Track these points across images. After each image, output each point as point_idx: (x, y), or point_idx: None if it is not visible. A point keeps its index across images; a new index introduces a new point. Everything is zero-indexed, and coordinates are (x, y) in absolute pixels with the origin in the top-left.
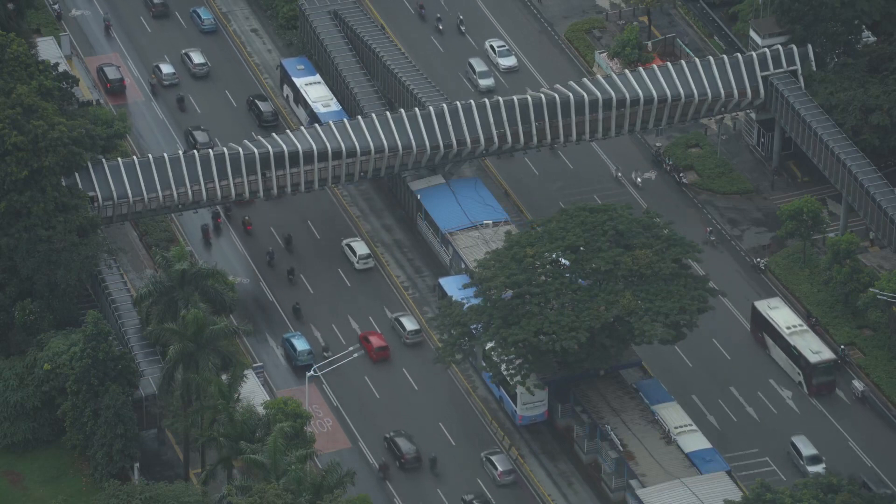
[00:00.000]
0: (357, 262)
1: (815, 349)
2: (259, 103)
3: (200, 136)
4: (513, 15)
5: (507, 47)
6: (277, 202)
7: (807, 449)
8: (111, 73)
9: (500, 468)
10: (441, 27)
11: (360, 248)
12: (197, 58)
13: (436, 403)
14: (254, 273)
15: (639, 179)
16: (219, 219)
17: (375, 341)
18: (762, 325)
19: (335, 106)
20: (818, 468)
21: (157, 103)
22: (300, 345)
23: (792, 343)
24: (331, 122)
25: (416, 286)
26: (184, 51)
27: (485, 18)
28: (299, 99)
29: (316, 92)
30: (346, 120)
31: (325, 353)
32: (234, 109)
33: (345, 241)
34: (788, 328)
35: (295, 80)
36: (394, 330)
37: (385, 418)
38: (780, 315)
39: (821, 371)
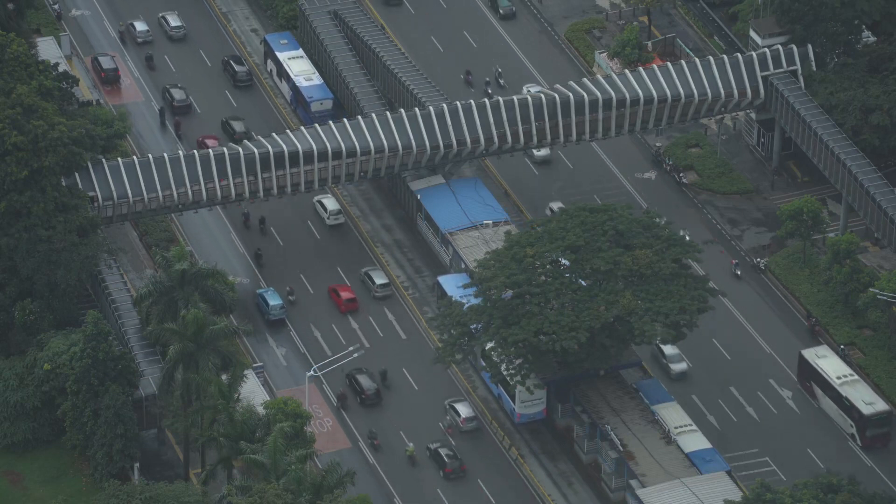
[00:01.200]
0: (328, 219)
1: (867, 400)
2: (234, 64)
3: (177, 94)
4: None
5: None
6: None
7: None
8: (105, 63)
9: (462, 415)
10: (490, 91)
11: (331, 204)
12: (174, 20)
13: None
14: (254, 273)
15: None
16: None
17: (344, 293)
18: (810, 375)
19: (317, 80)
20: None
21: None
22: (272, 299)
23: (843, 394)
24: (331, 123)
25: (416, 286)
26: (161, 14)
27: (484, 18)
28: (282, 73)
29: (298, 66)
30: (346, 120)
31: (289, 297)
32: (208, 70)
33: (316, 198)
34: (839, 378)
35: (278, 54)
36: (363, 284)
37: (351, 363)
38: (830, 364)
39: (874, 423)
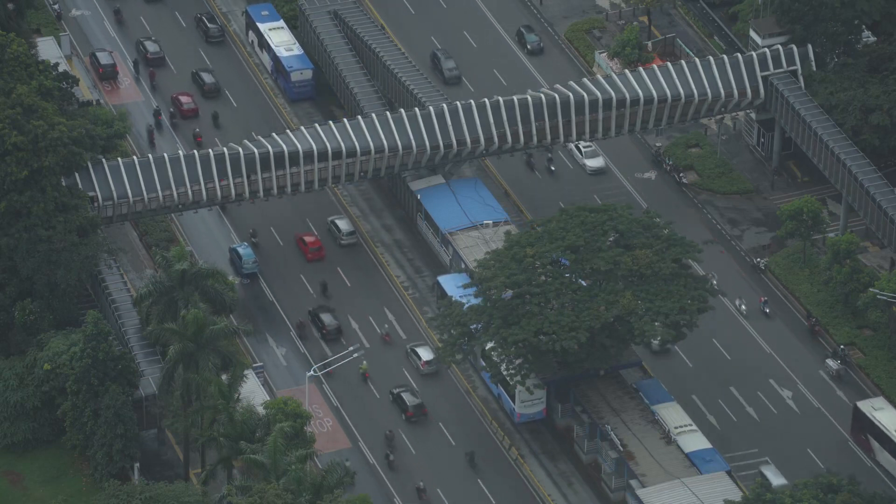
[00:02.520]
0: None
1: None
2: (206, 21)
3: (151, 46)
4: (513, 15)
5: (592, 147)
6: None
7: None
8: (103, 59)
9: (423, 358)
10: (553, 168)
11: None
12: None
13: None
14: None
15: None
16: (159, 115)
17: (310, 240)
18: (866, 428)
19: (297, 50)
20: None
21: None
22: (246, 254)
23: None
24: (331, 123)
25: (416, 286)
26: None
27: (485, 18)
28: (263, 44)
29: (279, 36)
30: (346, 120)
31: (252, 239)
32: (181, 28)
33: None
34: None
35: (259, 25)
36: (329, 232)
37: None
38: (887, 417)
39: None
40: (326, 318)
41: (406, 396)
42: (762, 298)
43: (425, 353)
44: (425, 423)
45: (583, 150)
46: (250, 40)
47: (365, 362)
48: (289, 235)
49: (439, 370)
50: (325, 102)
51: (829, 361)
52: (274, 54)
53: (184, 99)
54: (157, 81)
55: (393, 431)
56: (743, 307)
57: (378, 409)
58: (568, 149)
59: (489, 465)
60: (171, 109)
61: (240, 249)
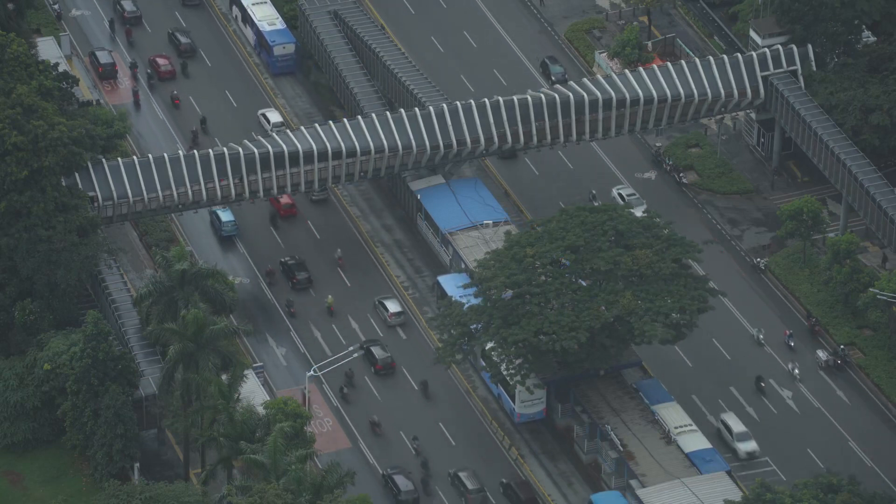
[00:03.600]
0: (271, 131)
1: None
2: None
3: (128, 5)
4: (513, 15)
5: (636, 195)
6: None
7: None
8: (103, 58)
9: (390, 310)
10: (596, 202)
11: (274, 116)
12: None
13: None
14: (253, 273)
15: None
16: (135, 69)
17: (284, 199)
18: None
19: (280, 24)
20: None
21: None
22: (225, 216)
23: None
24: (331, 123)
25: (416, 286)
26: None
27: (485, 18)
28: (247, 19)
29: (262, 11)
30: (346, 120)
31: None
32: None
33: (260, 111)
34: None
35: (242, 0)
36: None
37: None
38: None
39: None
40: (298, 270)
41: (376, 350)
42: (787, 332)
43: (392, 306)
44: (392, 375)
45: (626, 198)
46: (234, 15)
47: (331, 297)
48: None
49: (407, 321)
50: (324, 104)
51: (820, 353)
52: (257, 29)
53: (161, 61)
54: (133, 39)
55: (352, 370)
56: (761, 336)
57: (349, 363)
58: (611, 197)
59: (489, 465)
60: (149, 71)
61: (219, 212)
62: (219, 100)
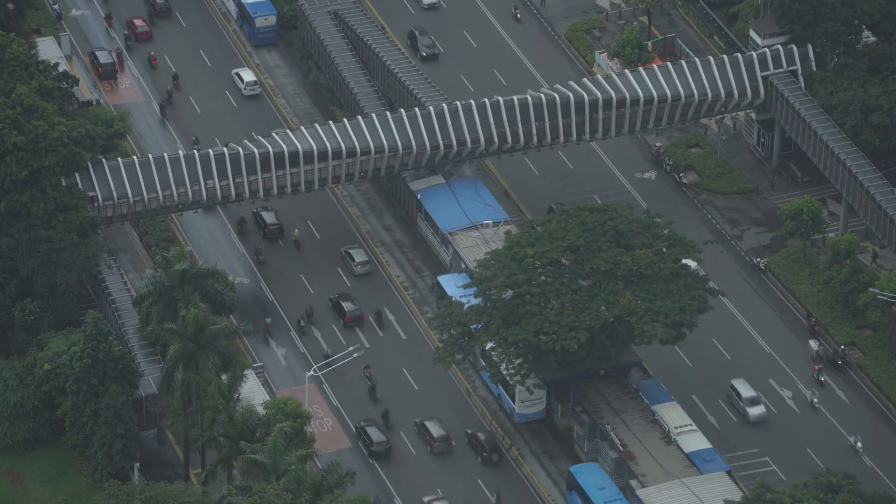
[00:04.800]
0: (244, 89)
1: None
2: None
3: None
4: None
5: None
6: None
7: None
8: (103, 58)
9: (356, 259)
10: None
11: (248, 75)
12: None
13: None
14: (253, 273)
15: (814, 400)
16: (110, 20)
17: None
18: None
19: None
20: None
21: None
22: None
23: None
24: (331, 123)
25: (416, 286)
26: None
27: (485, 18)
28: None
29: None
30: (346, 120)
31: (195, 146)
32: None
33: (234, 71)
34: None
35: None
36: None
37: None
38: None
39: None
40: (268, 216)
41: (345, 304)
42: (815, 366)
43: (358, 255)
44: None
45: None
46: None
47: (297, 231)
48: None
49: (372, 271)
50: (324, 104)
51: (812, 343)
52: (238, 1)
53: (138, 22)
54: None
55: (312, 307)
56: (815, 400)
57: (318, 314)
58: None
59: (489, 464)
60: (126, 32)
61: None
62: (193, 59)
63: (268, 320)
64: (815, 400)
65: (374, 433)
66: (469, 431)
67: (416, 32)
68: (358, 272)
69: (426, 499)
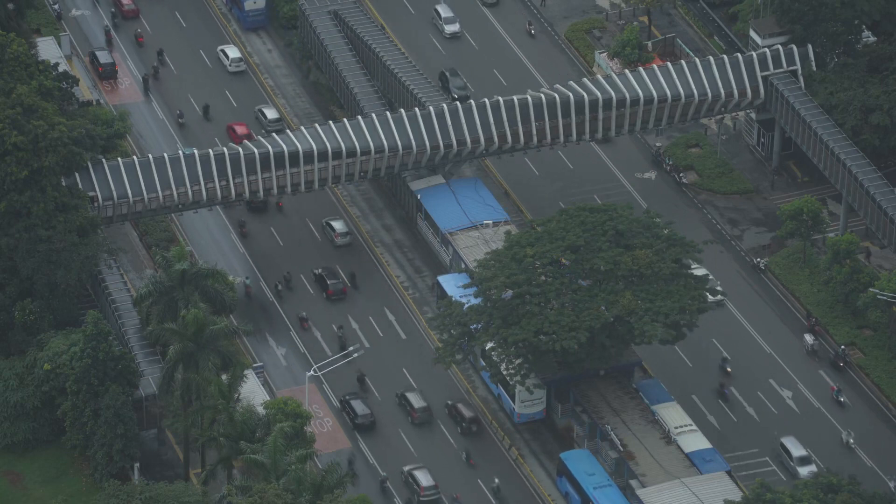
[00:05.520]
0: (230, 66)
1: None
2: None
3: None
4: (513, 15)
5: (711, 276)
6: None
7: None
8: (103, 58)
9: (336, 230)
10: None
11: (233, 52)
12: None
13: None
14: (253, 272)
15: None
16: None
17: (240, 129)
18: None
19: None
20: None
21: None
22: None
23: None
24: (331, 123)
25: (416, 286)
26: None
27: (485, 18)
28: None
29: None
30: (346, 120)
31: (179, 120)
32: None
33: (220, 48)
34: None
35: None
36: (257, 120)
37: None
38: None
39: None
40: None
41: (328, 278)
42: (834, 387)
43: (339, 226)
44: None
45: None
46: None
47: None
48: (290, 234)
49: (352, 242)
50: (324, 104)
51: (807, 336)
52: None
53: (125, 0)
54: None
55: (290, 273)
56: (851, 440)
57: (299, 290)
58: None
59: (489, 465)
60: (113, 10)
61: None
62: (179, 37)
63: (247, 280)
64: (852, 440)
65: (359, 406)
66: (449, 402)
67: (448, 74)
68: (339, 243)
69: (406, 467)
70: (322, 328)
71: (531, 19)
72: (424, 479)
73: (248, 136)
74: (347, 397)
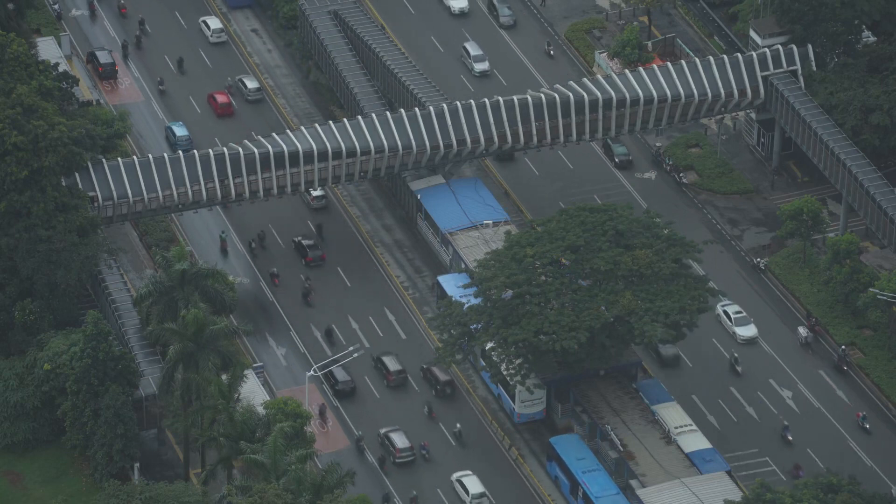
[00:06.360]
0: (211, 37)
1: None
2: None
3: None
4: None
5: (743, 314)
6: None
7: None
8: (103, 58)
9: (313, 193)
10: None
11: (214, 23)
12: None
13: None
14: (254, 273)
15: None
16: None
17: (220, 98)
18: None
19: None
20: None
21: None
22: (179, 131)
23: None
24: (331, 123)
25: (416, 286)
26: None
27: (485, 19)
28: None
29: None
30: (346, 120)
31: (160, 87)
32: None
33: (201, 19)
34: None
35: None
36: (238, 90)
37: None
38: None
39: None
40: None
41: (306, 243)
42: (859, 414)
43: (315, 191)
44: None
45: (733, 316)
46: None
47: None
48: (287, 238)
49: (328, 205)
50: (324, 104)
51: (801, 329)
52: None
53: None
54: None
55: (264, 231)
56: (867, 424)
57: (281, 257)
58: (716, 315)
59: (489, 464)
60: None
61: (174, 127)
62: (161, 6)
63: (222, 234)
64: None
65: (339, 373)
66: (424, 366)
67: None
68: (315, 206)
69: (383, 430)
70: (294, 284)
71: (549, 40)
72: (400, 441)
73: (228, 105)
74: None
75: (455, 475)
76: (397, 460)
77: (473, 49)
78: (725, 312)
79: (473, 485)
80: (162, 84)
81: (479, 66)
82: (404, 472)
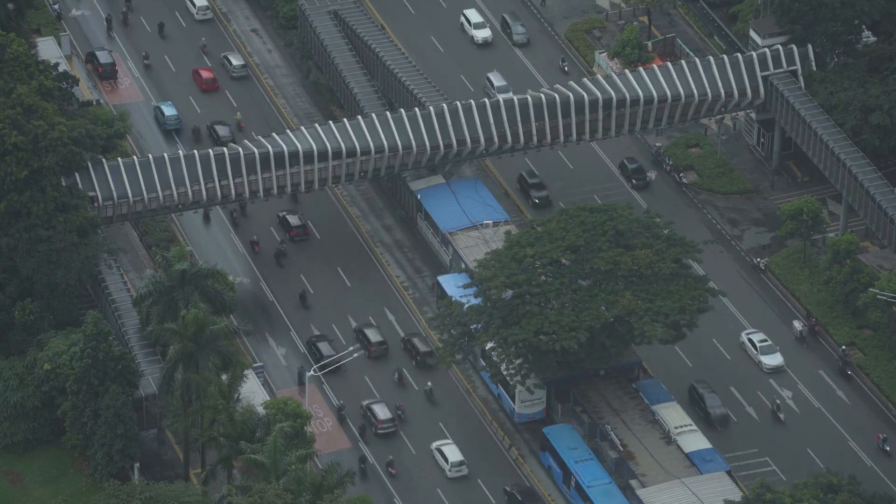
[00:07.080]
0: (196, 14)
1: None
2: None
3: None
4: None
5: (768, 342)
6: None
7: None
8: (103, 58)
9: (234, 62)
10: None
11: (200, 0)
12: None
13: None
14: (254, 273)
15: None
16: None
17: (205, 74)
18: None
19: None
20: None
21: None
22: (168, 110)
23: None
24: (331, 123)
25: (416, 286)
26: None
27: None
28: None
29: None
30: (346, 120)
31: (145, 62)
32: None
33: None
34: None
35: None
36: (223, 66)
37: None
38: None
39: None
40: (221, 130)
41: (290, 218)
42: (880, 436)
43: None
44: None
45: (758, 345)
46: None
47: (239, 113)
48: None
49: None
50: (324, 104)
51: (796, 323)
52: None
53: None
54: None
55: (246, 199)
56: (887, 447)
57: (262, 231)
58: (741, 343)
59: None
60: None
61: (163, 107)
62: None
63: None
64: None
65: (325, 348)
66: (404, 336)
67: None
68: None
69: (365, 402)
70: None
71: (563, 56)
72: (381, 412)
73: (213, 81)
74: (314, 339)
75: (435, 444)
76: (378, 431)
77: (497, 80)
78: (750, 340)
79: (453, 453)
80: (147, 59)
81: (504, 98)
82: (385, 441)
